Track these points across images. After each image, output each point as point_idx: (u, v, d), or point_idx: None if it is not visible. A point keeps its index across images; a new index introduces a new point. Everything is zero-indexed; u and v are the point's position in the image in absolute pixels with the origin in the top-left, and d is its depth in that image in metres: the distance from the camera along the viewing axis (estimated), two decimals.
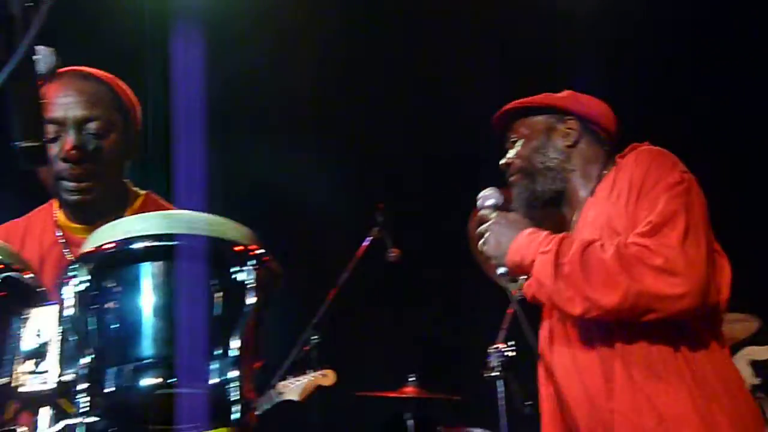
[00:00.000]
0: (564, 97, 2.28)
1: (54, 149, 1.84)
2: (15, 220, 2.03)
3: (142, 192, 2.04)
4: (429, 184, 4.69)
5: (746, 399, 2.05)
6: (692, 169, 2.08)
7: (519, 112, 2.29)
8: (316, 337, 4.06)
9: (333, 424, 4.24)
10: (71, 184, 1.86)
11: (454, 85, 4.31)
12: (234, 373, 1.24)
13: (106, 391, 1.24)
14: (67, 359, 1.29)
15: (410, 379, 4.07)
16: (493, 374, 3.18)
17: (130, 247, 1.29)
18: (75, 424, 1.24)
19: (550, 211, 2.24)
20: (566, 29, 4.29)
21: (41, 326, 1.31)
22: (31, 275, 1.35)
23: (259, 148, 4.63)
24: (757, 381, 3.72)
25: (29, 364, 1.29)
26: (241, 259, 1.31)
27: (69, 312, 1.28)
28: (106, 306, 1.29)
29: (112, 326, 1.28)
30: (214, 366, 1.25)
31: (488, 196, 2.21)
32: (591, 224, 2.09)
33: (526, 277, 2.07)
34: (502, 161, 2.29)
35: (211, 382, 1.25)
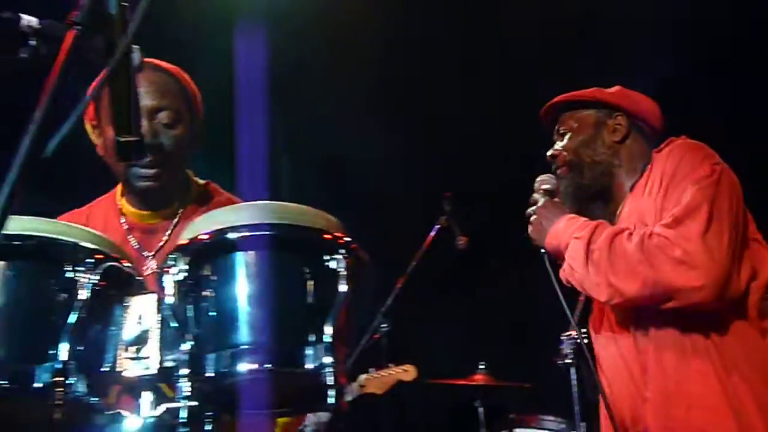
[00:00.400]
0: (614, 92, 2.30)
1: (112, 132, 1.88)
2: (76, 209, 2.09)
3: (203, 182, 2.10)
4: (497, 170, 4.66)
5: None
6: (741, 160, 2.06)
7: (568, 105, 2.32)
8: (385, 325, 4.10)
9: (404, 411, 4.27)
10: (143, 171, 1.92)
11: (523, 71, 4.28)
12: (328, 359, 1.27)
13: (206, 376, 1.28)
14: (167, 345, 1.35)
15: (480, 367, 4.07)
16: (566, 361, 3.16)
17: (225, 237, 1.33)
18: (176, 408, 1.30)
19: (597, 204, 2.26)
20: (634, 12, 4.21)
21: (142, 314, 1.37)
22: (130, 264, 1.41)
23: (326, 138, 4.67)
24: None
25: (131, 351, 1.35)
26: (332, 248, 1.35)
27: (169, 300, 1.32)
28: (203, 294, 1.34)
29: (209, 313, 1.33)
30: (309, 352, 1.28)
31: (545, 181, 2.26)
32: (627, 219, 2.14)
33: None
34: (550, 152, 2.31)
35: (306, 367, 1.28)
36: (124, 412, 1.34)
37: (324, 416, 3.50)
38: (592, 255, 2.00)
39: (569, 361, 3.18)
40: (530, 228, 2.21)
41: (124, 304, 1.38)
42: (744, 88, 4.22)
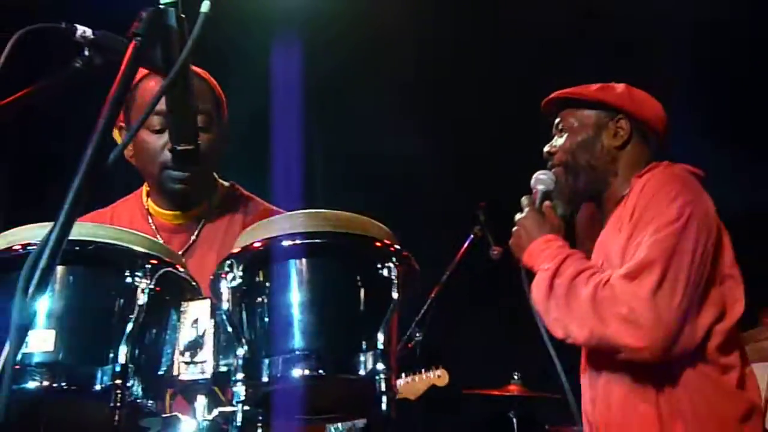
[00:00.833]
0: (619, 94, 2.20)
1: (160, 140, 1.92)
2: (99, 210, 2.10)
3: (227, 183, 2.12)
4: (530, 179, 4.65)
5: None
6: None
7: (570, 101, 2.24)
8: (419, 334, 4.11)
9: (437, 419, 4.28)
10: (177, 174, 1.94)
11: (562, 76, 4.27)
12: (381, 366, 1.29)
13: (260, 381, 1.30)
14: (221, 350, 1.37)
15: (514, 377, 4.07)
16: None
17: (279, 244, 1.35)
18: (230, 412, 1.32)
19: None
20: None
21: (197, 319, 1.39)
22: (184, 269, 1.43)
23: (359, 146, 4.69)
24: None
25: (187, 355, 1.37)
26: (384, 256, 1.36)
27: (224, 306, 1.35)
28: (257, 300, 1.36)
29: (263, 319, 1.35)
30: (362, 358, 1.30)
31: (541, 180, 2.22)
32: (597, 251, 2.12)
33: None
34: (547, 148, 2.25)
35: (359, 373, 1.29)
36: (179, 416, 1.37)
37: (360, 422, 3.51)
38: (555, 291, 2.00)
39: None
40: (511, 240, 2.20)
41: (180, 309, 1.40)
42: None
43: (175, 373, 1.37)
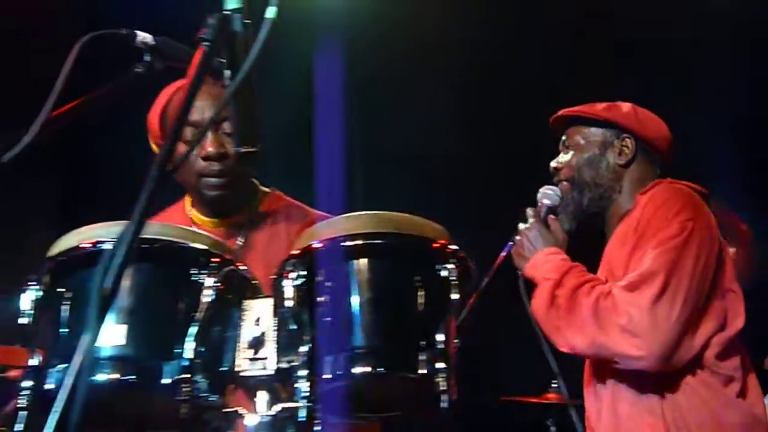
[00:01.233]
0: (625, 114, 2.25)
1: (194, 151, 1.95)
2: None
3: (267, 189, 2.16)
4: None
5: None
6: None
7: (577, 119, 2.29)
8: (457, 341, 4.10)
9: (476, 427, 4.27)
10: (213, 180, 1.98)
11: (607, 76, 4.26)
12: (441, 364, 1.32)
13: (322, 377, 1.33)
14: (283, 347, 1.40)
15: (553, 385, 4.05)
16: None
17: (340, 245, 1.39)
18: (292, 408, 1.35)
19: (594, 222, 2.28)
20: None
21: (259, 316, 1.43)
22: (245, 267, 1.47)
23: (401, 149, 4.70)
24: None
25: (249, 352, 1.41)
26: (443, 257, 1.39)
27: (287, 304, 1.38)
28: (319, 299, 1.39)
29: (325, 318, 1.38)
30: (423, 357, 1.33)
31: (547, 194, 2.26)
32: (601, 266, 2.17)
33: None
34: (553, 164, 2.30)
35: (419, 372, 1.32)
36: (241, 411, 1.41)
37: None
38: (556, 300, 2.04)
39: None
40: (513, 249, 2.24)
41: (242, 307, 1.44)
42: None
43: (237, 369, 1.41)
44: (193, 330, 1.34)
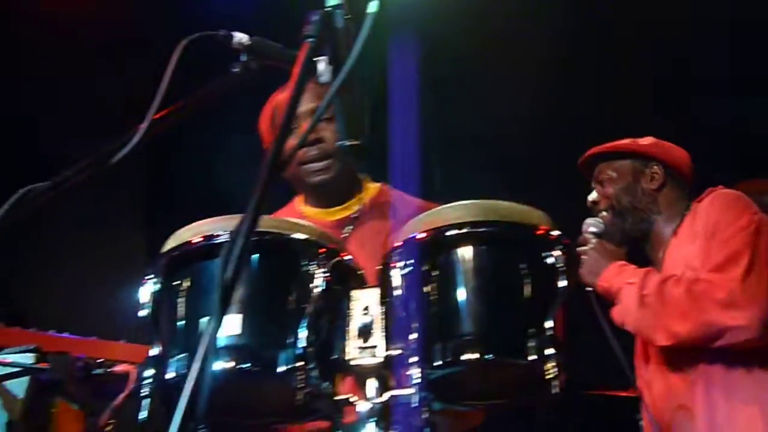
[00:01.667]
0: (649, 144, 2.42)
1: (290, 142, 1.99)
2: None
3: (377, 183, 2.19)
4: None
5: None
6: None
7: (604, 156, 2.44)
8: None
9: (562, 423, 4.24)
10: (313, 165, 2.05)
11: (683, 77, 4.18)
12: (550, 351, 1.32)
13: (433, 364, 1.35)
14: (391, 336, 1.43)
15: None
16: None
17: (445, 234, 1.41)
18: (402, 395, 1.37)
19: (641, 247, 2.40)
20: None
21: (367, 306, 1.45)
22: (351, 257, 1.50)
23: (480, 140, 4.70)
24: None
25: (359, 340, 1.44)
26: (548, 244, 1.40)
27: (396, 293, 1.41)
28: (425, 288, 1.41)
29: (432, 306, 1.40)
30: (531, 344, 1.33)
31: (591, 224, 2.37)
32: (675, 262, 2.26)
33: None
34: (591, 198, 2.42)
35: (529, 358, 1.33)
36: (351, 398, 1.43)
37: None
38: (645, 299, 2.12)
39: None
40: (581, 268, 2.30)
41: (350, 297, 1.47)
42: None
43: (347, 357, 1.44)
44: (305, 319, 1.38)
